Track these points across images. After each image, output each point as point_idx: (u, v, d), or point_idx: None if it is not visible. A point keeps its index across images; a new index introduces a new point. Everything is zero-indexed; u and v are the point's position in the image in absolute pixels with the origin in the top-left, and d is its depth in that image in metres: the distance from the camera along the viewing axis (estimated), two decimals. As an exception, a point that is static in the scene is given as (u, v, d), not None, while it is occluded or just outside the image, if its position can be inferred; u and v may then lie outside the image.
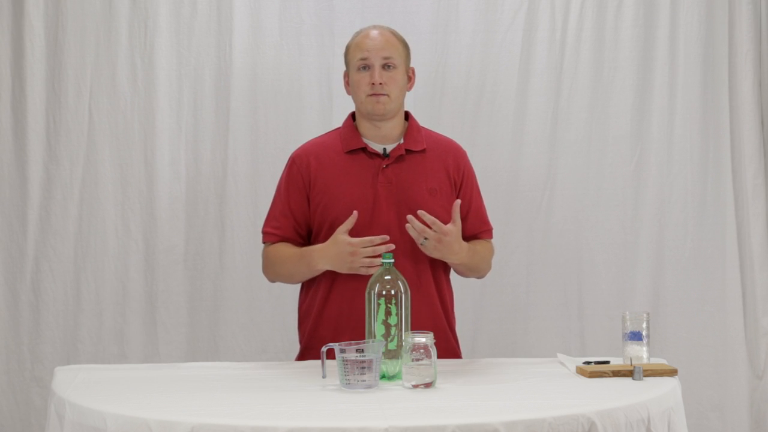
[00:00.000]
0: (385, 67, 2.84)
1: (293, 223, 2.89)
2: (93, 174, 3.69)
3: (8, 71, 3.66)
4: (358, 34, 2.92)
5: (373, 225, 2.81)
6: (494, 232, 3.05)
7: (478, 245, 2.94)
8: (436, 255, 2.78)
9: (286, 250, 2.88)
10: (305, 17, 3.77)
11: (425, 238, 2.73)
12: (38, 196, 3.66)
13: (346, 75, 2.94)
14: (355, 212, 2.75)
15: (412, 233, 2.73)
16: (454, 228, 2.75)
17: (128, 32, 3.69)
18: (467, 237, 2.94)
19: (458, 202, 2.77)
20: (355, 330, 2.69)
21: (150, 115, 3.71)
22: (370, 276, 2.55)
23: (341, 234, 2.74)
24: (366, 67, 2.85)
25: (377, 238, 2.71)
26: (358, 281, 2.73)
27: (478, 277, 3.04)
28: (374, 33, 2.88)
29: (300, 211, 2.88)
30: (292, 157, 2.94)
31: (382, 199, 2.83)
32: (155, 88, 3.70)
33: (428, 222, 2.71)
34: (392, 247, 2.68)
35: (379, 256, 2.66)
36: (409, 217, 2.72)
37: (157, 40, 3.70)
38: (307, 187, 2.87)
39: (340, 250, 2.73)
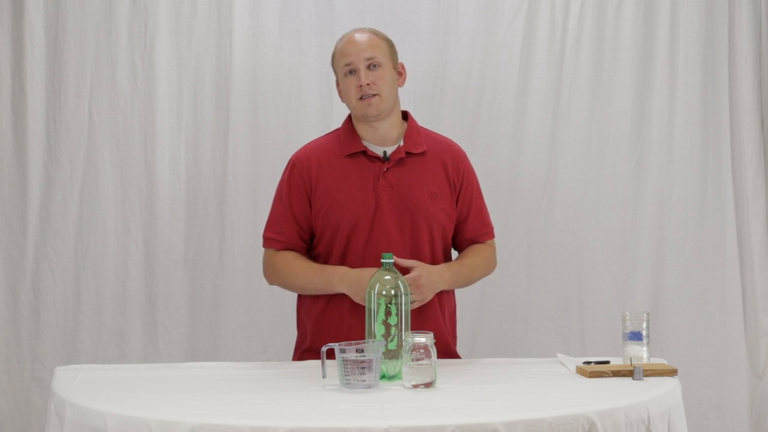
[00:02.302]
0: (371, 67, 2.83)
1: (297, 228, 2.87)
2: (93, 174, 3.69)
3: (8, 71, 3.66)
4: (340, 40, 2.91)
5: (375, 229, 2.80)
6: (494, 232, 3.04)
7: (467, 257, 2.93)
8: (429, 297, 2.77)
9: (301, 263, 2.86)
10: (305, 17, 3.77)
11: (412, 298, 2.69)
12: (38, 196, 3.66)
13: (338, 83, 2.93)
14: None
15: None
16: (418, 268, 2.73)
17: (128, 32, 3.69)
18: (467, 240, 2.95)
19: (398, 260, 2.68)
20: (356, 335, 2.68)
21: (150, 115, 3.71)
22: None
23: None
24: (352, 71, 2.84)
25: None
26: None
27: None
28: (355, 36, 2.87)
29: (303, 216, 2.87)
30: (292, 160, 2.92)
31: (383, 203, 2.82)
32: (155, 88, 3.70)
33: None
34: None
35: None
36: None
37: (157, 40, 3.70)
38: (309, 190, 2.86)
39: (365, 277, 2.67)
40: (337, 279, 2.77)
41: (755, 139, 3.85)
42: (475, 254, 2.95)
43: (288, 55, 3.76)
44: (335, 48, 2.91)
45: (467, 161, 2.97)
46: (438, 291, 2.81)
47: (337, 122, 3.00)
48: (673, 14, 3.84)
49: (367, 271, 2.70)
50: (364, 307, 2.55)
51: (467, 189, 2.93)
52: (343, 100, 2.92)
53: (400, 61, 2.93)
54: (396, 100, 2.90)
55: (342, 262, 2.83)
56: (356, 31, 2.90)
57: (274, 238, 2.89)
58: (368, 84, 2.81)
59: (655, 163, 3.85)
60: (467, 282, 2.95)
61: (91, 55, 3.68)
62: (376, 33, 2.89)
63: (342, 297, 2.80)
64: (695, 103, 3.85)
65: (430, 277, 2.76)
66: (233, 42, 3.73)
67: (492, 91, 3.81)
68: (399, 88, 2.92)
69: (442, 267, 2.83)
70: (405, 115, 2.95)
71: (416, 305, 2.74)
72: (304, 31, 3.77)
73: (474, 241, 2.96)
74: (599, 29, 3.83)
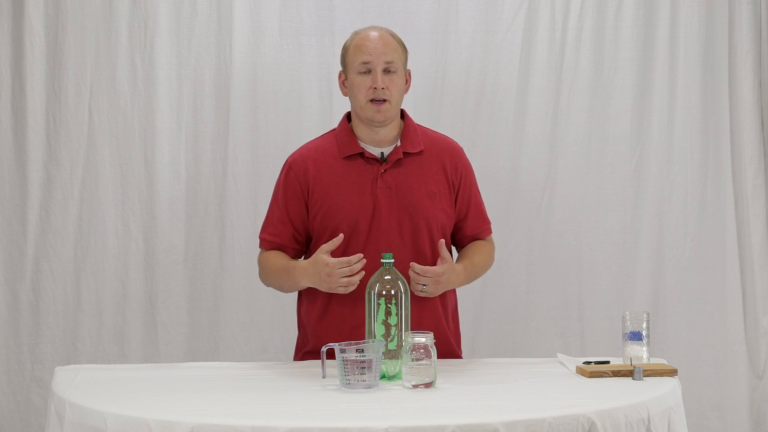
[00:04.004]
0: (386, 71, 2.81)
1: (292, 231, 2.86)
2: (93, 174, 3.69)
3: (8, 71, 3.66)
4: (356, 35, 2.87)
5: (373, 231, 2.80)
6: (494, 232, 3.04)
7: (475, 255, 2.93)
8: (438, 293, 2.79)
9: (276, 260, 2.86)
10: (305, 17, 3.77)
11: (424, 285, 2.72)
12: (38, 196, 3.66)
13: (342, 75, 2.90)
14: (341, 235, 2.72)
15: (413, 285, 2.71)
16: (447, 266, 2.75)
17: (128, 32, 3.69)
18: (468, 236, 2.95)
19: (443, 241, 2.76)
20: (357, 336, 2.68)
21: (150, 115, 3.71)
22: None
23: (322, 254, 2.69)
24: (367, 71, 2.81)
25: (354, 258, 2.66)
26: (359, 289, 2.70)
27: None
28: (374, 35, 2.83)
29: (299, 219, 2.86)
30: (288, 162, 2.90)
31: (382, 204, 2.81)
32: (155, 88, 3.70)
33: (419, 272, 2.71)
34: (364, 262, 2.66)
35: (356, 274, 2.66)
36: (412, 273, 2.71)
37: (157, 40, 3.70)
38: (305, 193, 2.85)
39: (318, 270, 2.69)
40: (299, 276, 2.76)
41: (755, 139, 3.85)
42: (480, 251, 2.95)
43: (288, 55, 3.76)
44: (349, 42, 2.87)
45: (465, 158, 2.96)
46: (448, 289, 2.83)
47: (337, 122, 2.99)
48: (673, 14, 3.84)
49: (320, 256, 2.68)
50: (364, 307, 2.55)
51: (466, 186, 2.93)
52: (345, 94, 2.90)
53: (408, 66, 2.93)
54: (400, 107, 2.90)
55: None
56: (373, 29, 2.86)
57: (267, 239, 2.89)
58: (383, 88, 2.79)
59: (655, 163, 3.85)
60: (474, 280, 2.96)
61: (91, 55, 3.68)
62: (393, 35, 2.86)
63: (342, 298, 2.79)
64: (695, 103, 3.85)
65: (449, 278, 2.77)
66: (233, 42, 3.73)
67: (492, 91, 3.81)
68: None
69: (461, 268, 2.84)
70: (401, 114, 2.93)
71: (423, 295, 2.75)
72: (304, 31, 3.77)
73: (475, 238, 2.96)
74: (599, 29, 3.83)
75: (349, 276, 2.66)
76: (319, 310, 2.85)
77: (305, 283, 2.77)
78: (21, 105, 3.66)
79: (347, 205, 2.80)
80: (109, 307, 3.69)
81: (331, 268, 2.67)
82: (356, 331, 2.70)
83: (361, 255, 2.68)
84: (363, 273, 2.66)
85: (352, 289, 2.68)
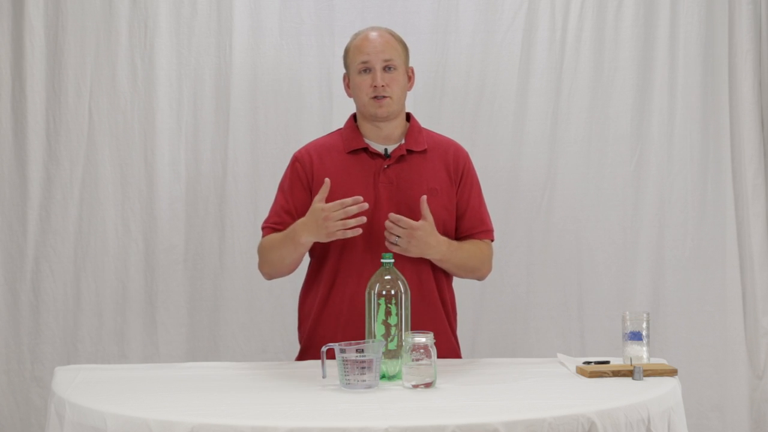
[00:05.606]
0: (386, 69, 2.85)
1: (295, 220, 2.87)
2: (93, 174, 3.69)
3: (8, 71, 3.66)
4: (356, 36, 2.92)
5: (374, 225, 2.80)
6: (495, 232, 3.03)
7: (466, 243, 2.91)
8: (414, 253, 2.77)
9: (275, 235, 2.87)
10: (305, 17, 3.77)
11: (398, 237, 2.73)
12: (38, 196, 3.67)
13: (346, 77, 2.94)
14: (327, 180, 2.74)
15: (387, 235, 2.74)
16: (425, 223, 2.75)
17: (128, 32, 3.69)
18: (462, 236, 2.94)
19: (424, 197, 2.76)
20: (355, 330, 2.69)
21: (150, 115, 3.71)
22: (370, 273, 2.54)
23: (317, 202, 2.72)
24: (367, 70, 2.85)
25: (349, 200, 2.69)
26: (358, 281, 2.74)
27: (477, 278, 3.02)
28: (373, 35, 2.88)
29: (302, 209, 2.86)
30: (295, 156, 2.95)
31: (383, 199, 2.83)
32: (155, 88, 3.70)
33: (394, 220, 2.72)
34: (365, 206, 2.68)
35: (353, 217, 2.67)
36: (387, 223, 2.73)
37: (157, 40, 3.70)
38: (309, 184, 2.88)
39: (316, 217, 2.71)
40: (299, 232, 2.76)
41: (755, 139, 3.85)
42: (473, 244, 2.93)
43: (288, 55, 3.76)
44: (350, 43, 2.92)
45: (468, 160, 2.97)
46: (424, 256, 2.80)
47: (337, 122, 3.01)
48: (673, 14, 3.84)
49: (314, 205, 2.71)
50: (362, 303, 2.55)
51: (465, 185, 2.93)
52: (350, 96, 2.94)
53: (410, 65, 2.94)
54: (404, 104, 2.92)
55: (340, 256, 2.84)
56: (373, 29, 2.91)
57: (269, 227, 2.90)
58: (383, 86, 2.83)
59: (655, 163, 3.85)
60: (458, 267, 2.91)
61: (91, 55, 3.68)
62: (393, 34, 2.91)
63: (342, 287, 2.82)
64: (695, 103, 3.85)
65: (426, 238, 2.76)
66: (233, 42, 3.73)
67: (492, 91, 3.81)
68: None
69: (443, 239, 2.83)
70: (407, 117, 2.97)
71: (394, 249, 2.74)
72: (304, 31, 3.77)
73: (470, 237, 2.95)
74: (599, 29, 3.83)
75: (345, 219, 2.67)
76: (318, 305, 2.86)
77: (305, 238, 2.75)
78: (21, 105, 3.66)
79: (348, 197, 2.80)
80: (109, 307, 3.69)
81: (326, 212, 2.68)
82: (354, 327, 2.70)
83: (359, 198, 2.69)
84: (363, 219, 2.68)
85: (351, 234, 2.68)
